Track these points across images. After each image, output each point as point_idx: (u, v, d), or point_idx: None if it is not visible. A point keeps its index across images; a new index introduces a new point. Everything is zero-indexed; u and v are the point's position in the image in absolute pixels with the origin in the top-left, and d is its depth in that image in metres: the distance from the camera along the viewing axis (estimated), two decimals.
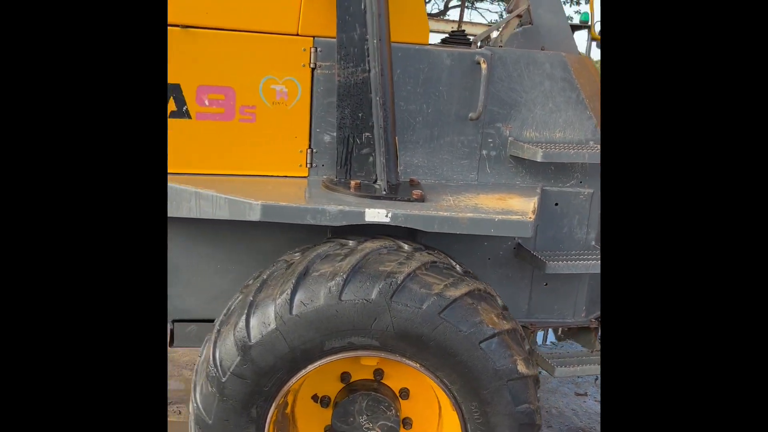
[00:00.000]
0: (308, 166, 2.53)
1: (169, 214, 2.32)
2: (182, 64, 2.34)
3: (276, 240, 2.59)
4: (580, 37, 10.07)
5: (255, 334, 2.01)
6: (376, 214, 2.14)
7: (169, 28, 2.29)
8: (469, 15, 17.40)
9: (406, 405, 2.29)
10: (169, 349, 3.46)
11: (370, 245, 2.14)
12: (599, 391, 3.91)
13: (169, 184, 2.29)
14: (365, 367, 2.29)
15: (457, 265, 2.22)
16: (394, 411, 2.23)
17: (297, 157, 2.51)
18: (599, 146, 2.63)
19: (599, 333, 2.89)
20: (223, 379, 2.04)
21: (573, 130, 2.64)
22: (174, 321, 2.63)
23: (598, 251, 2.69)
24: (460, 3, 13.06)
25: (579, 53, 2.84)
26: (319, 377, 2.29)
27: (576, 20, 9.89)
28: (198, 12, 2.32)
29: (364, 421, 2.24)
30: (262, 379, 2.04)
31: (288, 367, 2.04)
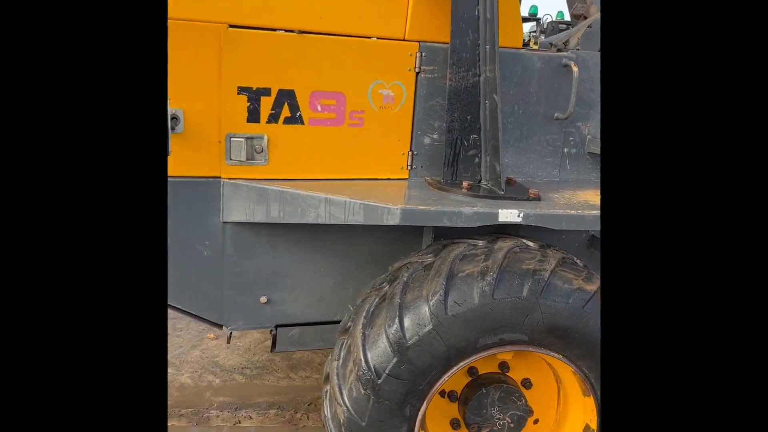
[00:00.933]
0: (409, 168, 2.58)
1: (293, 221, 2.33)
2: (297, 69, 2.33)
3: (373, 241, 2.64)
4: (527, 29, 10.49)
5: (411, 335, 2.07)
6: (509, 215, 2.24)
7: (285, 33, 2.28)
8: None
9: (529, 395, 2.41)
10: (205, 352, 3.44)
11: (503, 245, 2.24)
12: None
13: (294, 190, 2.30)
14: (491, 361, 2.40)
15: (576, 259, 2.36)
16: (523, 401, 2.35)
17: (399, 159, 2.57)
18: None
19: None
20: (379, 381, 2.09)
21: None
22: (277, 326, 2.63)
23: None
24: None
25: None
26: None
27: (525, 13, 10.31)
28: (313, 17, 2.32)
29: (496, 412, 2.35)
30: (418, 379, 2.11)
31: (442, 365, 2.12)
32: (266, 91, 2.33)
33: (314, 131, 2.42)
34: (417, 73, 2.48)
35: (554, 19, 9.65)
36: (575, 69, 2.59)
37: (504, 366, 2.43)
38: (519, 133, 2.69)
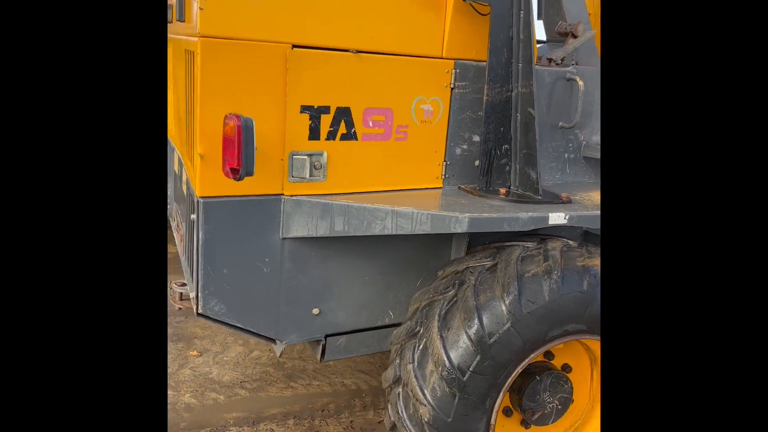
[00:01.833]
0: (443, 177, 2.75)
1: (359, 233, 2.42)
2: (353, 87, 2.42)
3: (409, 249, 2.78)
4: None
5: (491, 333, 2.25)
6: (558, 218, 2.48)
7: (342, 53, 2.36)
8: None
9: (570, 378, 2.68)
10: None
11: (554, 245, 2.48)
12: None
13: (360, 204, 2.39)
14: None
15: None
16: (569, 384, 2.61)
17: (435, 169, 2.72)
18: None
19: None
20: (464, 379, 2.25)
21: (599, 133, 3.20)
22: (326, 336, 2.69)
23: None
24: None
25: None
26: None
27: None
28: (367, 37, 2.41)
29: (547, 396, 2.59)
30: (498, 373, 2.29)
31: (518, 358, 2.32)
32: (326, 109, 2.39)
33: (366, 146, 2.51)
34: (452, 89, 2.65)
35: None
36: (581, 83, 2.88)
37: (549, 354, 2.68)
38: None
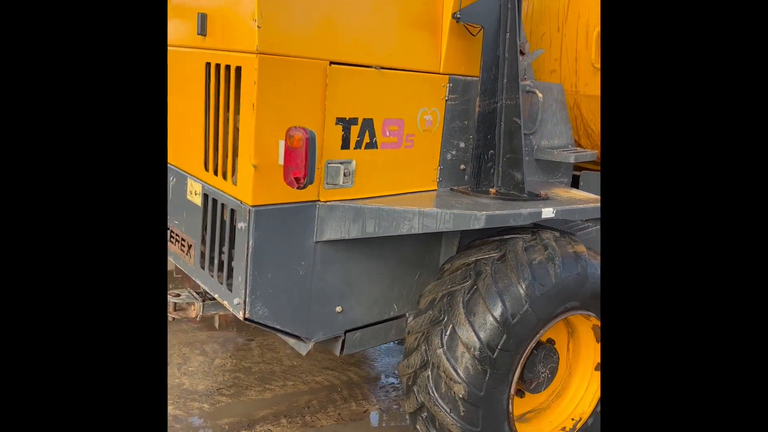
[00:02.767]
0: (437, 180, 3.05)
1: (386, 233, 2.64)
2: (375, 100, 2.64)
3: (411, 246, 3.05)
4: None
5: (514, 314, 2.59)
6: (548, 212, 2.88)
7: (367, 69, 2.58)
8: None
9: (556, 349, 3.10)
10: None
11: (547, 236, 2.88)
12: None
13: (390, 207, 2.61)
14: None
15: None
16: (557, 355, 3.03)
17: (432, 173, 3.01)
18: (577, 148, 3.76)
19: None
20: (494, 356, 2.57)
21: (560, 138, 3.70)
22: (346, 332, 2.88)
23: None
24: None
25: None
26: None
27: None
28: (386, 54, 2.65)
29: (541, 367, 2.98)
30: (519, 348, 2.64)
31: (533, 335, 2.68)
32: (354, 121, 2.59)
33: (383, 154, 2.74)
34: (446, 101, 2.96)
35: None
36: (540, 95, 3.32)
37: None
38: None
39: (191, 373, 3.82)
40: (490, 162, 3.06)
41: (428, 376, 2.70)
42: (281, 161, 2.34)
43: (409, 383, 2.81)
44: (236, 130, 2.47)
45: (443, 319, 2.70)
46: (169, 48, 2.85)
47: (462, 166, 3.11)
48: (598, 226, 3.65)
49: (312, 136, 2.24)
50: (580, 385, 3.17)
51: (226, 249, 2.60)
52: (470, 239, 3.08)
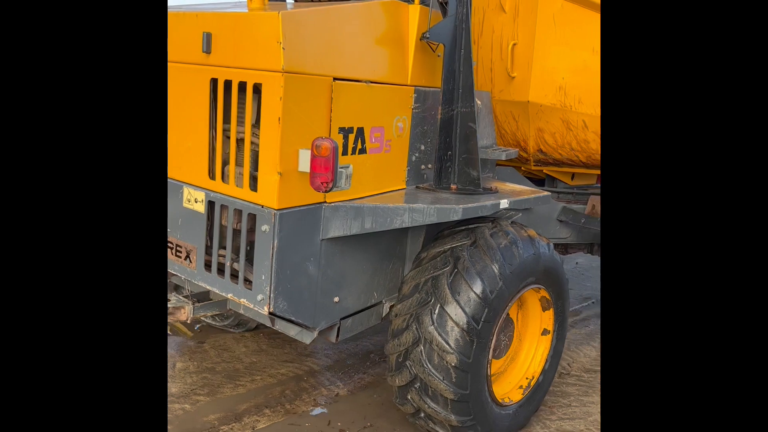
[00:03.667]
0: (406, 180, 3.44)
1: (381, 228, 2.99)
2: (365, 110, 2.98)
3: (388, 241, 3.41)
4: None
5: (491, 290, 3.06)
6: (505, 203, 3.37)
7: (359, 83, 2.92)
8: None
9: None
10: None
11: (504, 224, 3.38)
12: None
13: (385, 205, 2.96)
14: None
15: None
16: (513, 325, 3.55)
17: (402, 174, 3.40)
18: (501, 147, 4.33)
19: None
20: (479, 327, 3.02)
21: (488, 139, 4.24)
22: (341, 319, 3.18)
23: None
24: None
25: None
26: None
27: None
28: (372, 70, 2.99)
29: (503, 335, 3.49)
30: (495, 319, 3.11)
31: (504, 306, 3.17)
32: (351, 129, 2.91)
33: (371, 158, 3.08)
34: (413, 109, 3.36)
35: None
36: (479, 102, 3.82)
37: None
38: None
39: None
40: (449, 162, 3.50)
41: (421, 351, 3.09)
42: (303, 168, 2.62)
43: (400, 360, 3.18)
44: (254, 142, 2.69)
45: (431, 300, 3.10)
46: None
47: (423, 166, 3.52)
48: (520, 214, 4.22)
49: (336, 145, 2.54)
50: (529, 349, 3.72)
51: (241, 250, 2.80)
52: (434, 232, 3.51)
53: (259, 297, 2.73)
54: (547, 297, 3.59)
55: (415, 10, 3.23)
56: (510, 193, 3.58)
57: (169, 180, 3.08)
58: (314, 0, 3.39)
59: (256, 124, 2.77)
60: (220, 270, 2.92)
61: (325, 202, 2.85)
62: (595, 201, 5.06)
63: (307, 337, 3.09)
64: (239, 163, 2.79)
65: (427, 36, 3.19)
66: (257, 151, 2.68)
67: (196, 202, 2.97)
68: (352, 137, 2.92)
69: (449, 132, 3.45)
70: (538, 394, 3.69)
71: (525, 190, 3.72)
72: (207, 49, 2.76)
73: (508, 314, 3.62)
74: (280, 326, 3.13)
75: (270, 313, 2.74)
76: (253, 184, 2.71)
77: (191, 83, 2.88)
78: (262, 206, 2.66)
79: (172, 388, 3.79)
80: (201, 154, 2.91)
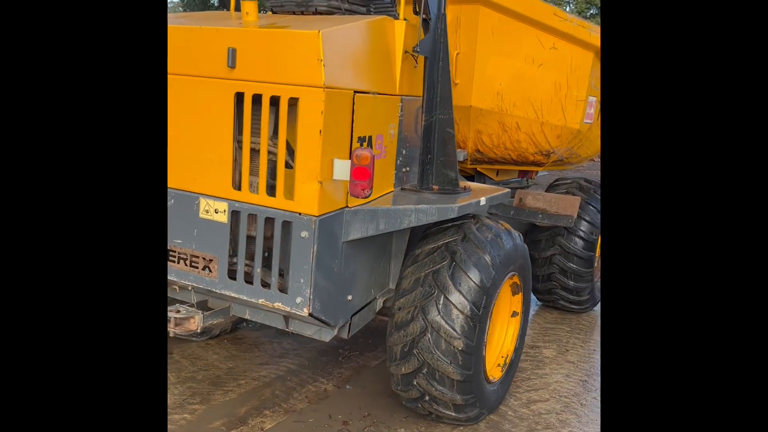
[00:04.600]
0: (393, 182, 3.70)
1: (392, 229, 3.25)
2: (373, 120, 3.22)
3: (384, 240, 3.66)
4: None
5: (487, 279, 3.42)
6: (483, 201, 3.74)
7: (370, 95, 3.15)
8: None
9: None
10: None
11: (485, 220, 3.75)
12: None
13: (395, 207, 3.21)
14: None
15: None
16: None
17: (391, 177, 3.66)
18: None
19: None
20: (480, 313, 3.37)
21: None
22: (351, 316, 3.38)
23: None
24: None
25: None
26: None
27: None
28: (376, 83, 3.23)
29: None
30: (490, 304, 3.47)
31: (496, 292, 3.54)
32: (365, 138, 3.14)
33: (377, 163, 3.31)
34: (399, 117, 3.63)
35: None
36: None
37: None
38: None
39: None
40: (429, 164, 3.80)
41: (429, 339, 3.37)
42: (338, 176, 2.81)
43: (406, 349, 3.44)
44: (288, 152, 2.84)
45: (434, 292, 3.40)
46: (181, 77, 2.99)
47: (404, 169, 3.80)
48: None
49: (373, 155, 2.76)
50: (501, 330, 4.13)
51: (274, 256, 2.92)
52: (418, 230, 3.80)
53: (298, 300, 2.88)
54: (518, 282, 4.02)
55: (401, 26, 3.49)
56: (482, 191, 3.95)
57: (182, 192, 3.11)
58: (296, 12, 3.56)
59: (274, 135, 2.91)
60: (247, 278, 3.02)
61: (347, 207, 3.05)
62: (522, 194, 5.60)
63: (326, 336, 3.26)
64: (271, 175, 2.91)
65: (418, 50, 3.47)
66: (285, 161, 2.83)
67: (216, 212, 3.04)
68: (365, 145, 3.14)
69: (429, 137, 3.75)
70: (512, 371, 4.12)
71: (490, 188, 4.12)
72: (232, 64, 2.85)
73: None
74: (296, 327, 3.28)
75: (309, 314, 2.89)
76: (288, 193, 2.85)
77: (212, 97, 2.94)
78: (300, 213, 2.81)
79: None
80: (224, 166, 2.98)
